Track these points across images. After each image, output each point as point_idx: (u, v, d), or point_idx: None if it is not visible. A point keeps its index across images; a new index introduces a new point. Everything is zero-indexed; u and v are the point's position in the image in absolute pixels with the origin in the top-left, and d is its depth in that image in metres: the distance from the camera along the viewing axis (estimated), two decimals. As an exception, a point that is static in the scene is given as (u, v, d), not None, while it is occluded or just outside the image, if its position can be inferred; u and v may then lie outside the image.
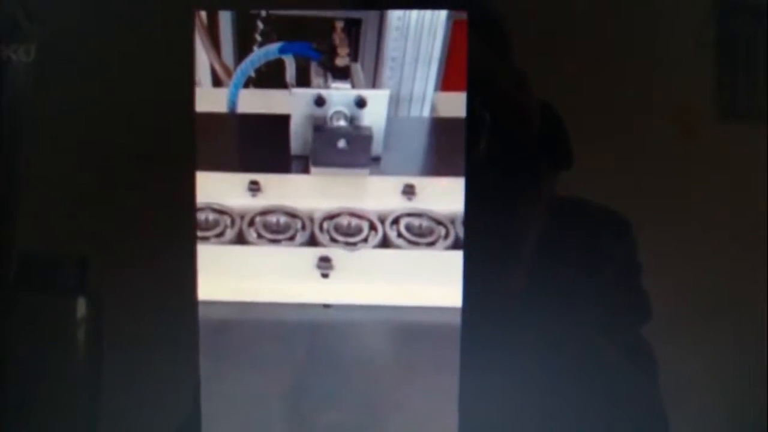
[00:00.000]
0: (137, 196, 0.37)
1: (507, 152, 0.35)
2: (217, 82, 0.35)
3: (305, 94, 0.34)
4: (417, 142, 0.35)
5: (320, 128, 0.34)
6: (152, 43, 0.36)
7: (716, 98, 0.34)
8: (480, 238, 0.35)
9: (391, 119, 0.35)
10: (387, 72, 0.35)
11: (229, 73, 0.35)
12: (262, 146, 0.36)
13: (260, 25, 0.35)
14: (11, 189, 0.38)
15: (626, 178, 0.34)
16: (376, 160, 0.35)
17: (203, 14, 0.35)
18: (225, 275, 0.35)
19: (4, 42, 0.37)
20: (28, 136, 0.38)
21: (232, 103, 0.35)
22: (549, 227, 0.35)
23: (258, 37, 0.35)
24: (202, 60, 0.35)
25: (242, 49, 0.35)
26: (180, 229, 0.37)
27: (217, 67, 0.35)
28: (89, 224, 0.38)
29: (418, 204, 0.35)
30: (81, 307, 0.39)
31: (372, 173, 0.35)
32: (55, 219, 0.38)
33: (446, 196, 0.34)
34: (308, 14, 0.34)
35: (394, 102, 0.35)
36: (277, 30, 0.35)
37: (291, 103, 0.35)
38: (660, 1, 0.34)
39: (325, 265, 0.35)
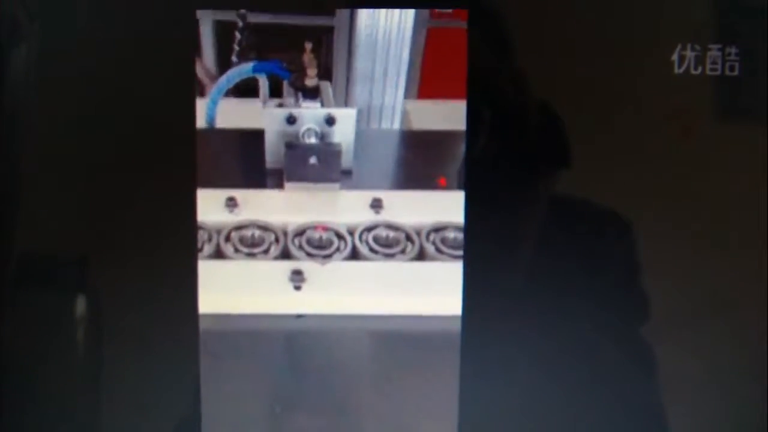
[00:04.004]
0: (137, 194, 0.37)
1: (506, 151, 0.35)
2: (201, 91, 0.36)
3: (277, 113, 0.36)
4: (387, 155, 0.37)
5: (292, 145, 0.36)
6: (153, 42, 0.36)
7: (716, 98, 0.34)
8: (480, 238, 0.35)
9: (361, 133, 0.36)
10: (358, 86, 0.36)
11: (213, 81, 0.36)
12: (239, 160, 0.37)
13: (237, 35, 0.36)
14: (11, 189, 0.38)
15: (626, 178, 0.34)
16: (347, 174, 0.36)
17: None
18: (204, 289, 0.37)
19: (5, 42, 0.37)
20: (28, 137, 0.38)
21: (210, 119, 0.36)
22: (548, 227, 0.35)
23: (235, 47, 0.36)
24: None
25: (223, 59, 0.36)
26: (180, 228, 0.37)
27: (201, 76, 0.36)
28: (89, 224, 0.38)
29: (385, 217, 0.37)
30: (81, 306, 0.39)
31: (343, 187, 0.36)
32: (55, 219, 0.38)
33: (413, 208, 0.36)
34: (285, 22, 0.35)
35: (366, 115, 0.36)
36: (255, 39, 0.36)
37: (264, 120, 0.36)
38: (660, 1, 0.34)
39: (297, 278, 0.37)
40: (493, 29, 0.34)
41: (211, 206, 0.37)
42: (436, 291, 0.36)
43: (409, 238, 0.36)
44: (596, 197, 0.35)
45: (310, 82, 0.36)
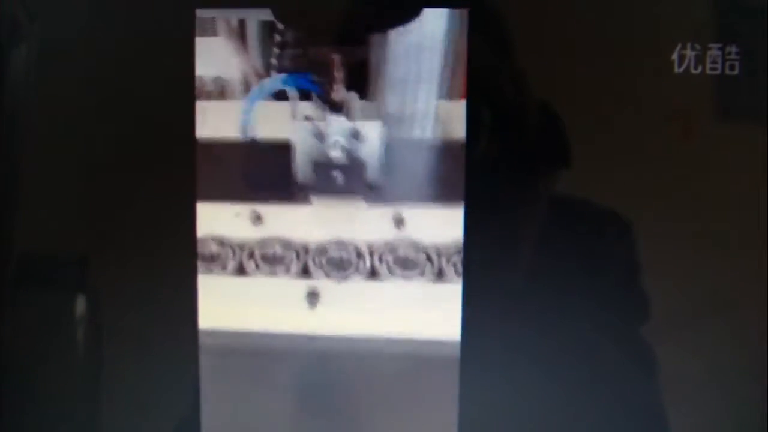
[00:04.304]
0: (137, 194, 0.37)
1: (506, 151, 0.35)
2: (246, 88, 0.37)
3: (304, 128, 0.36)
4: (415, 167, 0.36)
5: (318, 160, 0.37)
6: (153, 42, 0.36)
7: (716, 97, 0.34)
8: (479, 235, 0.35)
9: (391, 145, 0.36)
10: (389, 96, 0.36)
11: (260, 79, 0.37)
12: (268, 173, 0.37)
13: (277, 36, 0.36)
14: (11, 189, 0.38)
15: (626, 178, 0.34)
16: (373, 188, 0.36)
17: (233, 20, 0.36)
18: (223, 305, 0.38)
19: (5, 42, 0.38)
20: (28, 137, 0.38)
21: (245, 128, 0.37)
22: (548, 227, 0.35)
23: (275, 49, 0.36)
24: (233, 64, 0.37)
25: (266, 58, 0.37)
26: (180, 227, 0.37)
27: (248, 74, 0.37)
28: (89, 223, 0.38)
29: (407, 234, 0.37)
30: (80, 305, 0.39)
31: (368, 201, 0.36)
32: (55, 218, 0.38)
33: (436, 226, 0.36)
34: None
35: (397, 124, 0.36)
36: (294, 40, 0.36)
37: (292, 134, 0.36)
38: (660, 1, 0.34)
39: (312, 298, 0.37)
40: (493, 29, 0.34)
41: (236, 221, 0.37)
42: (449, 313, 0.36)
43: (429, 258, 0.36)
44: (596, 197, 0.35)
45: (337, 95, 0.36)
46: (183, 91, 0.36)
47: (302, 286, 0.37)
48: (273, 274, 0.38)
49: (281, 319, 0.38)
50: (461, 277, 0.36)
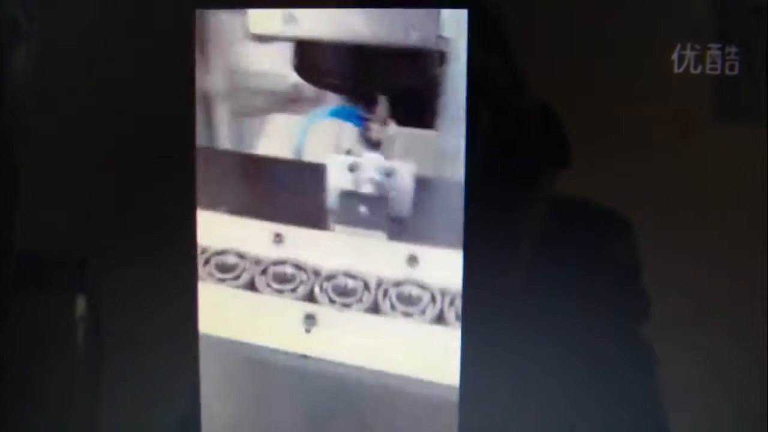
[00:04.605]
0: (137, 195, 0.38)
1: (506, 151, 0.35)
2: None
3: (341, 160, 0.37)
4: (439, 209, 0.37)
5: (347, 191, 0.38)
6: (154, 42, 0.36)
7: (716, 98, 0.34)
8: (479, 234, 0.35)
9: (421, 185, 0.37)
10: (426, 139, 0.37)
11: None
12: (298, 194, 0.39)
13: None
14: (11, 189, 0.38)
15: (626, 178, 0.34)
16: (396, 225, 0.37)
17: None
18: (225, 315, 0.39)
19: (5, 42, 0.38)
20: (28, 137, 0.38)
21: (299, 148, 0.38)
22: (548, 226, 0.35)
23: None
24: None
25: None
26: (180, 228, 0.37)
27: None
28: (89, 223, 0.38)
29: (418, 274, 0.37)
30: (80, 306, 0.39)
31: (390, 238, 0.37)
32: (55, 219, 0.38)
33: (447, 269, 0.36)
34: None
35: (429, 166, 0.37)
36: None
37: (329, 163, 0.38)
38: (660, 1, 0.34)
39: (309, 321, 0.38)
40: (493, 29, 0.35)
41: (258, 238, 0.38)
42: (438, 358, 0.36)
43: (433, 299, 0.37)
44: (596, 197, 0.35)
45: (376, 135, 0.37)
46: (183, 91, 0.36)
47: (302, 308, 0.38)
48: (279, 293, 0.39)
49: (277, 337, 0.38)
50: (460, 321, 0.36)
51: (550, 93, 0.34)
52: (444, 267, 0.36)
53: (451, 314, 0.36)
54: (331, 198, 0.38)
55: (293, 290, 0.38)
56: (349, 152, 0.37)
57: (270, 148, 0.38)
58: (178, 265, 0.37)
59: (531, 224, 0.36)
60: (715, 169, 0.34)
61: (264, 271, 0.39)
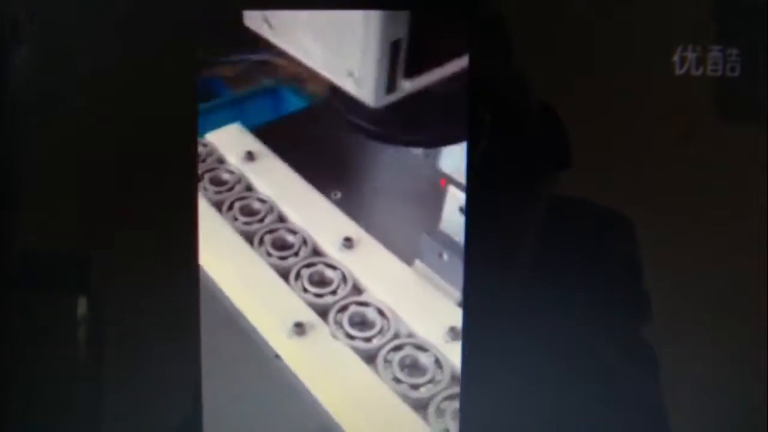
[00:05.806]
0: (138, 195, 0.37)
1: (508, 152, 0.35)
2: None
3: (457, 198, 0.36)
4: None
5: (434, 231, 0.36)
6: (154, 42, 0.36)
7: (717, 99, 0.34)
8: (479, 231, 0.35)
9: None
10: None
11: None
12: (419, 211, 0.38)
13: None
14: (11, 189, 0.38)
15: (627, 180, 0.34)
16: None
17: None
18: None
19: (5, 42, 0.37)
20: (28, 137, 0.38)
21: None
22: (548, 226, 0.35)
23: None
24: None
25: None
26: (181, 226, 0.37)
27: None
28: (89, 223, 0.38)
29: (450, 345, 0.36)
30: (81, 305, 0.39)
31: (457, 303, 0.35)
32: (55, 218, 0.38)
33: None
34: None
35: None
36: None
37: (447, 197, 0.37)
38: (661, 1, 0.34)
39: (298, 330, 0.37)
40: (493, 31, 0.34)
41: (333, 242, 0.38)
42: None
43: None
44: (597, 198, 0.35)
45: None
46: (183, 91, 0.36)
47: (308, 317, 0.38)
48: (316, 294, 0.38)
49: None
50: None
51: (551, 94, 0.34)
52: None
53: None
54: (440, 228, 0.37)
55: (317, 295, 0.37)
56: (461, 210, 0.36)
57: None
58: (178, 263, 0.37)
59: (532, 226, 0.36)
60: (717, 170, 0.34)
61: (307, 266, 0.38)
